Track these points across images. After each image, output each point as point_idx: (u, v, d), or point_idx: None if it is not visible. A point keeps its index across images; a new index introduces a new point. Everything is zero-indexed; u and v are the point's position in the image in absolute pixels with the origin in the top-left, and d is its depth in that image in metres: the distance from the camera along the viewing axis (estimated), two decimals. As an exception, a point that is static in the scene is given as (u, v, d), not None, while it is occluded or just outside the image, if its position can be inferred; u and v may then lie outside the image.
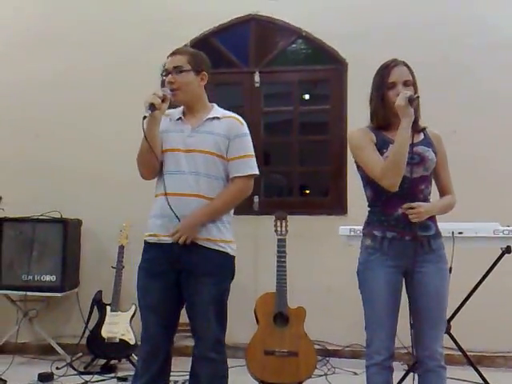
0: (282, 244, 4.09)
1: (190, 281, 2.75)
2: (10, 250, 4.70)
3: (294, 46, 5.28)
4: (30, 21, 5.26)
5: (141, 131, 2.71)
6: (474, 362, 3.75)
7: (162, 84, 4.71)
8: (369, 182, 2.69)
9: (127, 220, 4.71)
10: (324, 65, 5.19)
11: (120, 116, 4.95)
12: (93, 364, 4.43)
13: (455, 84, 4.75)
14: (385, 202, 2.65)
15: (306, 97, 5.70)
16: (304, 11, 5.04)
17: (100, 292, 4.59)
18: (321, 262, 4.83)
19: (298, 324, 3.99)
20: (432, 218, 2.67)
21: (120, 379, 4.20)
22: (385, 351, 2.61)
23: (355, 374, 4.32)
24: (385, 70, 2.68)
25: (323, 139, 5.27)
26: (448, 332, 3.46)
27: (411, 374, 3.51)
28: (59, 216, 4.73)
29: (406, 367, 3.83)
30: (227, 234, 2.82)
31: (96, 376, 4.23)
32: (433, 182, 2.76)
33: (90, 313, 4.56)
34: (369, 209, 2.76)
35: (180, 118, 2.88)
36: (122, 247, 4.64)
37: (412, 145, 2.58)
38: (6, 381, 4.01)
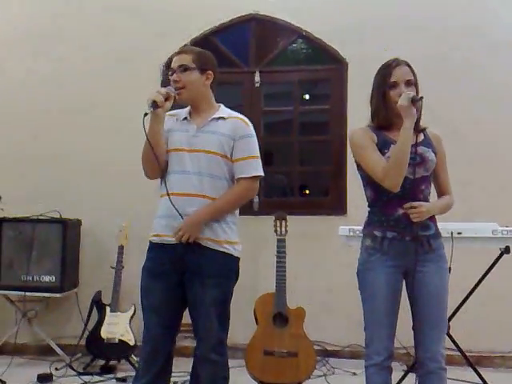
0: (281, 244, 4.09)
1: (194, 282, 2.74)
2: (10, 250, 4.69)
3: (294, 45, 5.29)
4: (31, 19, 5.25)
5: (142, 130, 2.70)
6: (472, 362, 3.74)
7: (163, 83, 4.76)
8: (369, 182, 2.68)
9: (127, 220, 4.71)
10: (324, 64, 5.18)
11: (120, 116, 4.95)
12: (92, 365, 4.42)
13: (457, 82, 4.74)
14: (385, 203, 2.64)
15: (306, 97, 5.71)
16: (304, 11, 5.03)
17: (99, 292, 4.58)
18: (320, 262, 4.82)
19: (298, 324, 3.98)
20: (431, 218, 2.66)
21: (119, 380, 4.19)
22: (384, 352, 2.60)
23: (354, 374, 4.31)
24: (386, 70, 2.66)
25: (323, 139, 5.27)
26: (447, 332, 3.44)
27: (410, 374, 3.53)
28: (59, 216, 4.72)
29: (404, 368, 3.82)
30: (232, 235, 2.81)
31: (95, 377, 4.23)
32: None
33: (90, 313, 4.56)
34: (369, 209, 2.75)
35: (186, 118, 2.87)
36: (121, 247, 4.63)
37: (416, 145, 2.57)
38: (5, 382, 4.00)
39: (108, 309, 4.49)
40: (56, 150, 5.10)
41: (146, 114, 2.67)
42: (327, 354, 4.67)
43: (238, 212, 2.89)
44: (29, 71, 5.16)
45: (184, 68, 2.81)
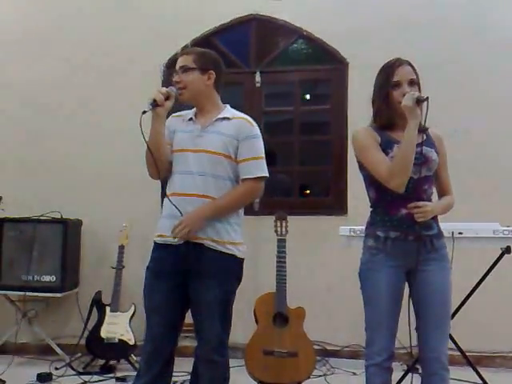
0: (281, 244, 4.08)
1: (196, 282, 2.73)
2: (10, 250, 4.69)
3: (294, 45, 5.28)
4: (31, 20, 5.26)
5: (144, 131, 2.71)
6: (473, 362, 3.73)
7: (164, 84, 4.76)
8: (372, 182, 2.66)
9: (127, 220, 4.71)
10: (325, 64, 5.18)
11: (121, 116, 4.94)
12: (92, 364, 4.43)
13: (457, 83, 4.74)
14: (388, 203, 2.63)
15: (307, 97, 5.70)
16: (305, 11, 5.04)
17: (99, 292, 4.58)
18: (321, 262, 4.82)
19: (298, 324, 3.98)
20: (434, 218, 2.65)
21: (119, 379, 4.18)
22: (385, 352, 2.59)
23: (354, 374, 4.31)
24: (389, 69, 2.64)
25: (324, 139, 5.27)
26: (447, 332, 3.45)
27: (410, 374, 3.53)
28: (59, 216, 4.72)
29: (405, 367, 3.81)
30: (235, 236, 2.80)
31: (95, 376, 4.23)
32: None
33: (90, 313, 4.56)
34: (371, 209, 2.73)
35: (191, 119, 2.87)
36: (122, 247, 4.64)
37: (421, 145, 2.56)
38: (4, 381, 4.01)
39: (108, 309, 4.50)
40: (57, 151, 5.11)
41: (144, 112, 2.69)
42: (327, 353, 4.67)
43: (242, 213, 2.89)
44: (29, 73, 5.16)
45: (185, 69, 2.83)
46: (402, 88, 2.60)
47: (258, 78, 5.12)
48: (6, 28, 5.26)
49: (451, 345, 3.52)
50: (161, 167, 2.80)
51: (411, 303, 2.65)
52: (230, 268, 2.79)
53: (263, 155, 2.85)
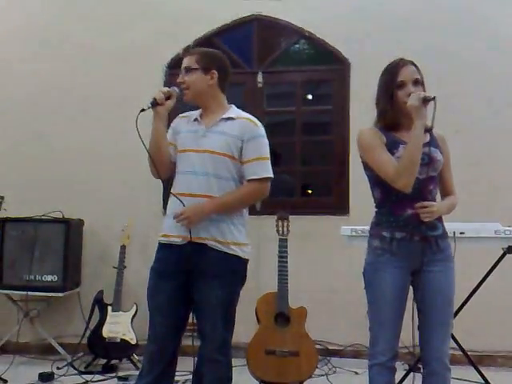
0: (283, 244, 4.08)
1: (199, 282, 2.74)
2: (12, 250, 4.70)
3: (296, 46, 5.29)
4: (33, 21, 5.27)
5: (145, 131, 2.71)
6: (474, 361, 3.73)
7: (166, 84, 4.76)
8: (377, 182, 2.65)
9: (129, 220, 4.71)
10: (327, 65, 5.19)
11: (123, 116, 4.93)
12: (94, 364, 4.43)
13: (459, 83, 4.74)
14: (394, 203, 2.62)
15: (309, 97, 5.70)
16: (307, 11, 5.04)
17: (101, 292, 4.58)
18: (323, 262, 4.82)
19: (300, 324, 3.98)
20: (439, 218, 2.65)
21: (121, 379, 4.18)
22: (389, 352, 2.59)
23: (356, 373, 4.31)
24: (393, 69, 2.63)
25: (326, 139, 5.28)
26: (449, 332, 3.45)
27: (412, 373, 3.53)
28: (61, 216, 4.72)
29: (406, 367, 3.81)
30: (239, 237, 2.79)
31: (97, 376, 4.22)
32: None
33: (91, 312, 4.56)
34: (376, 209, 2.72)
35: (196, 119, 2.88)
36: (123, 247, 4.64)
37: (428, 145, 2.56)
38: (6, 380, 4.01)
39: (110, 308, 4.50)
40: (59, 151, 5.12)
41: (142, 110, 2.70)
42: (329, 353, 4.67)
43: (246, 213, 2.88)
44: (31, 73, 5.17)
45: (188, 69, 2.84)
46: (407, 88, 2.59)
47: (259, 78, 5.13)
48: (10, 27, 5.27)
49: (453, 344, 3.52)
50: (161, 166, 2.81)
51: (414, 303, 2.65)
52: (234, 268, 2.78)
53: (268, 156, 2.84)
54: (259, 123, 2.87)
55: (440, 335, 2.59)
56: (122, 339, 4.39)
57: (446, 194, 2.78)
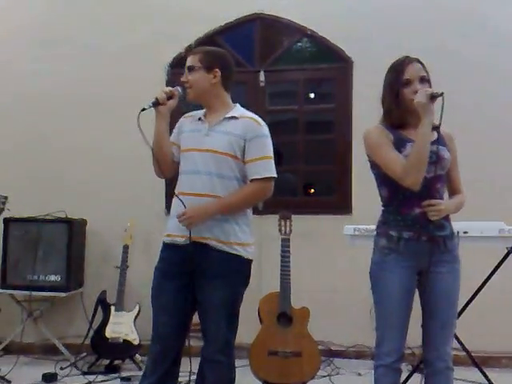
0: (286, 244, 4.07)
1: (203, 282, 2.73)
2: (16, 250, 4.70)
3: (299, 44, 5.27)
4: (34, 21, 5.26)
5: (147, 130, 2.70)
6: (478, 362, 3.72)
7: (168, 83, 4.75)
8: (384, 181, 2.63)
9: (132, 220, 4.70)
10: (329, 63, 5.16)
11: (124, 116, 4.93)
12: (97, 364, 4.43)
13: (463, 82, 4.71)
14: (401, 202, 2.59)
15: (311, 95, 5.68)
16: (309, 10, 5.02)
17: (104, 292, 4.58)
18: (325, 261, 4.80)
19: (302, 324, 3.97)
20: (446, 218, 2.62)
21: (124, 379, 4.18)
22: (395, 353, 2.58)
23: (359, 374, 4.30)
24: (399, 67, 2.61)
25: (328, 138, 5.25)
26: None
27: (415, 374, 3.52)
28: (64, 216, 4.73)
29: (410, 368, 3.80)
30: (243, 237, 2.78)
31: (100, 376, 4.22)
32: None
33: (95, 313, 4.56)
34: (383, 208, 2.69)
35: (200, 118, 2.87)
36: (126, 247, 4.63)
37: (436, 143, 2.54)
38: (10, 381, 4.03)
39: (113, 308, 4.50)
40: (61, 151, 5.11)
41: (143, 109, 2.71)
42: (332, 354, 4.66)
43: (250, 213, 2.87)
44: (34, 73, 5.16)
45: (191, 68, 2.84)
46: (413, 86, 2.56)
47: (262, 77, 5.11)
48: (12, 27, 5.26)
49: (456, 345, 3.52)
50: (164, 166, 2.82)
51: (419, 304, 2.63)
52: (237, 269, 2.77)
53: (271, 155, 2.82)
54: (263, 123, 2.85)
55: (443, 336, 2.58)
56: (125, 339, 4.39)
57: (453, 192, 2.76)
